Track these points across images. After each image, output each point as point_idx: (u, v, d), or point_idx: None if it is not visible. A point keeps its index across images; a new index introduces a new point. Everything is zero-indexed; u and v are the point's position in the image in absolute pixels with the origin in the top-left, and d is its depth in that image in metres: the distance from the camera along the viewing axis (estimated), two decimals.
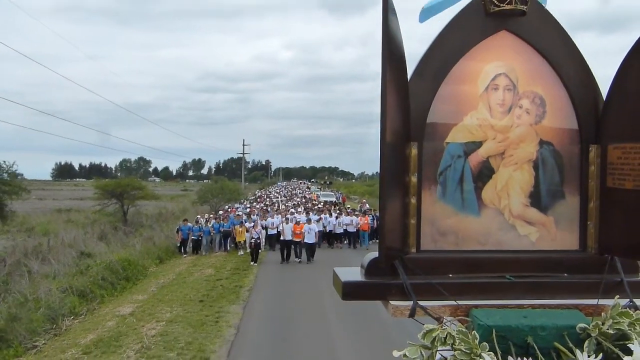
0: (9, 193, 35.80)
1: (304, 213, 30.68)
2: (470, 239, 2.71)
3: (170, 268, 24.41)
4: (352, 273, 2.70)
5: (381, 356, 10.27)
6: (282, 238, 24.96)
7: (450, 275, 2.63)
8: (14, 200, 36.14)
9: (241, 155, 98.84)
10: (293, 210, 32.84)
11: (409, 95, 2.59)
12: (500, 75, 2.69)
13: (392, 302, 2.51)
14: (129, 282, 21.03)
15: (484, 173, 2.70)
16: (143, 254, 25.60)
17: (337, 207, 38.46)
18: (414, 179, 2.64)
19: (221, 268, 23.10)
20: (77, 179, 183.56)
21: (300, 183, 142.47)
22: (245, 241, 26.55)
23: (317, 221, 26.68)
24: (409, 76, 2.63)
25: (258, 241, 24.41)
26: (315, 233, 25.19)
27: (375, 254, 2.62)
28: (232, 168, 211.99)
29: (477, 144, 2.69)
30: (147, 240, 30.04)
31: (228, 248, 28.85)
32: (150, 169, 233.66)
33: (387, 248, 2.49)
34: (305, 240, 24.61)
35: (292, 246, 24.96)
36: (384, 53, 2.35)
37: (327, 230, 29.58)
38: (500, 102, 2.69)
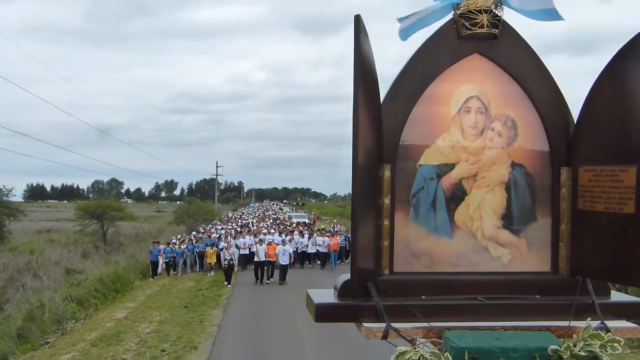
0: (7, 215, 38.94)
1: (277, 234, 30.58)
2: (443, 261, 2.67)
3: (153, 282, 26.21)
4: (325, 295, 2.65)
5: None
6: (256, 259, 24.72)
7: (423, 297, 2.58)
8: (11, 222, 38.85)
9: (214, 177, 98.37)
10: (265, 230, 32.56)
11: (381, 116, 2.55)
12: (473, 98, 2.67)
13: (365, 324, 2.46)
14: (119, 293, 23.20)
15: (457, 195, 2.68)
16: (127, 269, 27.23)
17: (308, 228, 38.59)
18: (387, 201, 2.59)
19: (201, 281, 24.77)
20: (49, 201, 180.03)
21: (273, 204, 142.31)
22: (214, 263, 26.34)
23: (289, 241, 26.54)
24: (381, 98, 2.59)
25: (231, 262, 24.29)
26: (290, 254, 25.11)
27: (347, 275, 2.57)
28: (204, 189, 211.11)
29: (450, 166, 2.67)
30: (130, 257, 31.11)
31: (204, 268, 28.64)
32: (123, 190, 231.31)
33: (360, 270, 2.44)
34: (280, 262, 24.38)
35: (265, 267, 24.95)
36: (356, 75, 2.33)
37: (299, 251, 29.66)
38: (472, 124, 2.67)
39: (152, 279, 26.72)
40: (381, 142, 2.57)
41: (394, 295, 2.52)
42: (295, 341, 13.81)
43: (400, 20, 2.67)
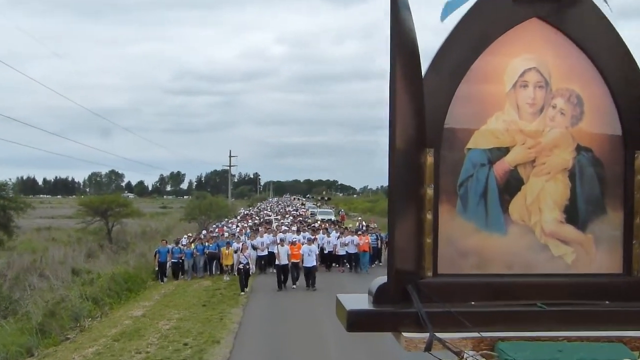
0: (16, 209, 42.00)
1: (297, 232, 30.28)
2: (496, 260, 2.64)
3: (167, 281, 27.70)
4: (358, 300, 2.63)
5: None
6: (277, 262, 24.46)
7: (473, 302, 2.56)
8: (19, 217, 42.10)
9: (226, 168, 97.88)
10: (286, 228, 32.47)
11: (423, 94, 2.53)
12: (530, 70, 2.62)
13: (405, 334, 2.46)
14: (132, 293, 25.15)
15: (512, 184, 2.64)
16: (139, 269, 28.90)
17: (336, 226, 38.18)
18: (429, 192, 2.58)
19: (218, 280, 26.18)
20: (42, 195, 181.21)
21: (294, 199, 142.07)
22: (232, 265, 26.24)
23: (312, 241, 26.33)
24: (423, 73, 2.57)
25: (247, 266, 23.93)
26: (316, 255, 24.84)
27: (384, 278, 2.58)
28: (215, 182, 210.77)
29: (504, 151, 2.63)
30: (140, 257, 32.57)
31: (214, 272, 28.64)
32: (123, 184, 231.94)
33: (398, 271, 2.45)
34: (305, 264, 23.88)
35: (289, 271, 24.73)
36: (393, 46, 2.32)
37: (326, 252, 29.39)
38: (530, 101, 2.62)
39: (161, 283, 27.05)
40: (423, 123, 2.54)
41: (439, 301, 2.51)
42: (321, 348, 14.60)
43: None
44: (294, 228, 33.49)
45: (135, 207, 55.81)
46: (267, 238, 28.41)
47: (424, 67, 2.58)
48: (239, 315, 19.15)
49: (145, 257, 32.20)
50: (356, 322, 2.53)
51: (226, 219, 52.89)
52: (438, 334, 2.42)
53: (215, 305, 20.80)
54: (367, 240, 29.00)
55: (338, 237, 29.29)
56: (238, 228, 36.62)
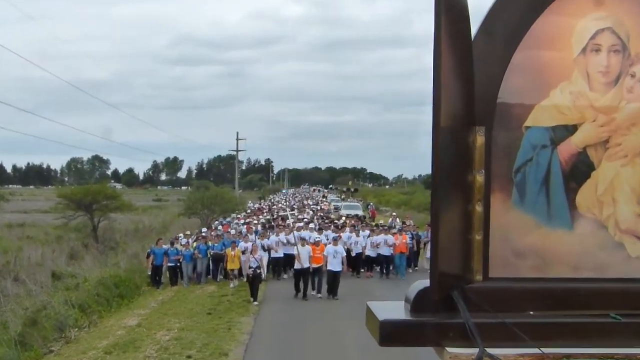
0: None
1: (318, 230, 29.56)
2: (560, 261, 2.61)
3: (164, 286, 27.79)
4: (393, 309, 2.63)
5: None
6: (297, 265, 23.96)
7: (531, 312, 2.54)
8: None
9: (233, 153, 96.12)
10: (301, 225, 32.05)
11: (472, 63, 2.50)
12: (604, 31, 2.56)
13: (449, 350, 2.44)
14: (124, 299, 25.15)
15: (580, 169, 2.59)
16: (131, 272, 28.77)
17: (366, 223, 37.44)
18: (479, 178, 2.55)
19: (224, 285, 26.20)
20: (10, 186, 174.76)
21: (314, 190, 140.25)
22: (239, 269, 25.88)
23: (336, 240, 25.77)
24: (472, 37, 2.54)
25: (258, 271, 23.23)
26: (343, 258, 24.34)
27: (425, 282, 2.55)
28: (219, 170, 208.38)
29: (570, 129, 2.58)
30: (132, 258, 32.67)
31: (219, 278, 27.86)
32: (109, 172, 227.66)
33: (442, 275, 2.41)
34: (329, 268, 23.33)
35: (310, 276, 23.70)
36: (439, 2, 2.29)
37: (354, 254, 28.62)
38: (603, 69, 2.57)
39: (156, 289, 27.04)
40: (472, 97, 2.51)
41: (490, 310, 2.47)
42: None
43: None
44: (312, 225, 32.97)
45: (126, 200, 55.79)
46: (281, 237, 27.88)
47: (474, 29, 2.55)
48: (250, 324, 19.22)
49: (138, 258, 32.43)
50: (391, 334, 2.48)
51: (233, 214, 52.15)
52: (489, 350, 2.38)
53: (222, 314, 20.88)
54: (404, 240, 28.64)
55: (368, 236, 28.65)
56: (246, 225, 35.90)
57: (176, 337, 17.98)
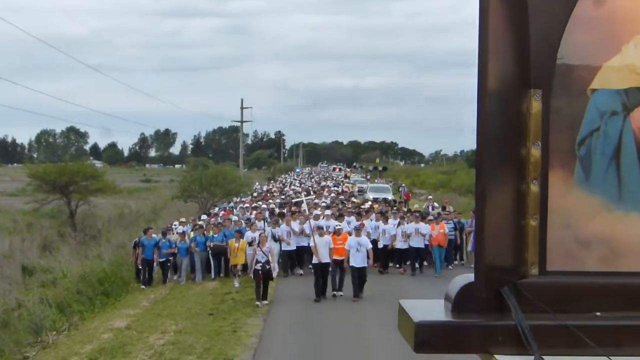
0: None
1: (339, 217, 28.60)
2: (633, 252, 2.50)
3: (157, 282, 27.61)
4: (431, 309, 2.55)
5: None
6: (315, 260, 22.93)
7: (598, 313, 2.44)
8: None
9: (236, 124, 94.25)
10: (318, 212, 30.32)
11: (527, 14, 2.41)
12: None
13: (498, 357, 2.37)
14: (110, 298, 24.89)
15: None
16: (117, 266, 28.35)
17: (397, 209, 35.38)
18: (535, 152, 2.44)
19: (228, 282, 25.69)
20: None
21: (334, 169, 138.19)
22: (244, 265, 24.92)
23: (359, 230, 24.49)
24: None
25: (268, 267, 22.13)
26: (368, 250, 23.42)
27: (470, 277, 2.47)
28: (220, 145, 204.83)
29: None
30: (118, 249, 32.24)
31: (221, 274, 27.07)
32: (87, 147, 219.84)
33: (490, 268, 2.35)
34: (353, 263, 22.57)
35: (331, 271, 22.87)
36: None
37: (381, 246, 27.68)
38: None
39: (143, 287, 26.42)
40: (527, 56, 2.42)
41: (548, 310, 2.39)
42: None
43: None
44: (328, 212, 31.16)
45: (110, 180, 54.06)
46: (294, 226, 27.07)
47: None
48: (259, 327, 19.01)
49: (125, 249, 32.03)
50: (428, 339, 2.40)
51: (235, 198, 50.75)
52: (547, 357, 2.31)
53: (226, 314, 20.59)
54: (442, 230, 27.58)
55: (398, 225, 27.74)
56: (254, 211, 34.73)
57: (172, 340, 17.75)
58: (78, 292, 23.78)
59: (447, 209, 34.77)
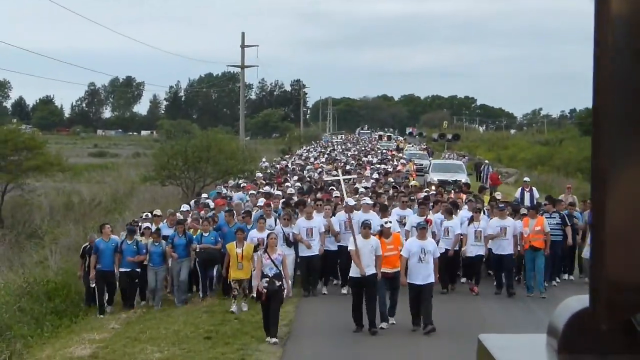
0: None
1: (379, 209, 23.81)
2: None
3: (113, 309, 24.75)
4: (526, 347, 2.23)
5: None
6: (353, 273, 18.11)
7: None
8: None
9: (235, 69, 76.02)
10: (349, 201, 24.21)
11: None
12: None
13: None
14: (63, 318, 22.16)
15: None
16: (69, 275, 24.77)
17: (476, 198, 29.10)
18: None
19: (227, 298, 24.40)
20: None
21: (380, 137, 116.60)
22: (247, 281, 20.54)
23: (425, 229, 19.27)
24: None
25: (277, 284, 17.10)
26: (435, 260, 18.45)
27: (585, 300, 2.14)
28: (209, 102, 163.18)
29: None
30: (71, 252, 28.56)
31: (214, 288, 22.82)
32: (8, 104, 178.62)
33: (615, 286, 1.97)
34: (412, 280, 17.70)
35: (379, 290, 18.73)
36: None
37: (442, 250, 22.89)
38: None
39: (100, 316, 22.03)
40: None
41: None
42: None
43: None
44: (368, 201, 24.56)
45: (54, 154, 46.74)
46: (319, 221, 22.29)
47: None
48: (276, 355, 16.27)
49: (79, 251, 27.74)
50: None
51: (232, 181, 40.91)
52: None
53: (230, 338, 17.24)
54: (539, 227, 22.65)
55: (470, 221, 22.71)
56: (261, 200, 27.82)
57: None
58: (20, 311, 20.87)
59: (561, 200, 26.12)
